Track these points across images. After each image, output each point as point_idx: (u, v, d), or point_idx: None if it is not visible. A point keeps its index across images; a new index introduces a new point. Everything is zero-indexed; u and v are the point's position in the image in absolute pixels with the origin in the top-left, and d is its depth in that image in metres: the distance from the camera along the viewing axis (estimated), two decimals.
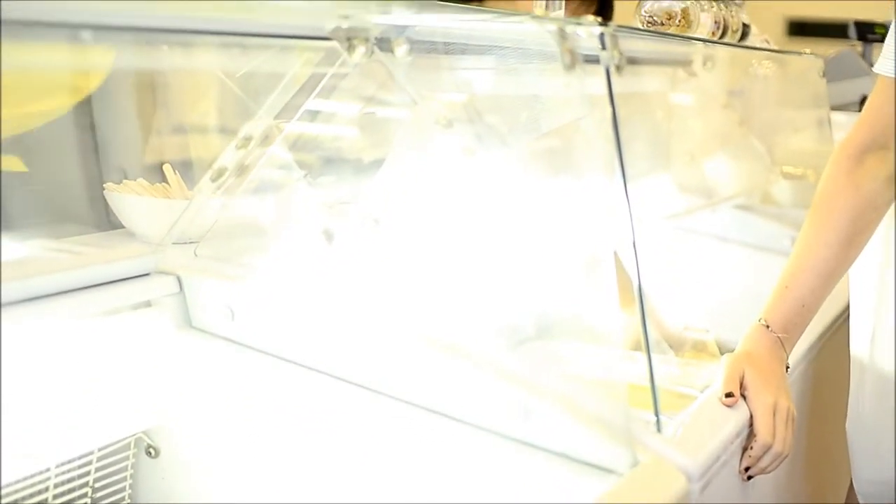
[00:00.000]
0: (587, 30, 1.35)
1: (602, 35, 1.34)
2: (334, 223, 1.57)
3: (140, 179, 1.82)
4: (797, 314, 1.70)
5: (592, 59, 1.37)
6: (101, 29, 0.97)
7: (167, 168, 1.82)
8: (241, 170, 1.53)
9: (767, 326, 1.68)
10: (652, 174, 2.51)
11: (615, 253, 1.52)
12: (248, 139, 1.50)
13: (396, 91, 1.58)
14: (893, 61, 1.71)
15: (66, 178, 1.96)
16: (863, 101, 3.61)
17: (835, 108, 3.42)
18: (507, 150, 1.82)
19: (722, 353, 2.40)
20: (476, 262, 1.73)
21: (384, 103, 1.61)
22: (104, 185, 1.80)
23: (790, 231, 2.75)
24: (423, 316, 1.55)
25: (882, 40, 3.63)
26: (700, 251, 2.64)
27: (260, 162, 1.53)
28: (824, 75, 2.75)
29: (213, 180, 1.55)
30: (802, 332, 1.73)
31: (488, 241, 1.73)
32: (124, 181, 1.81)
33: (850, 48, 3.74)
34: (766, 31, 9.13)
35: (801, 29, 10.67)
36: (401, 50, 1.45)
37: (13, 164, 1.84)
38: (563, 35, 1.27)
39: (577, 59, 1.26)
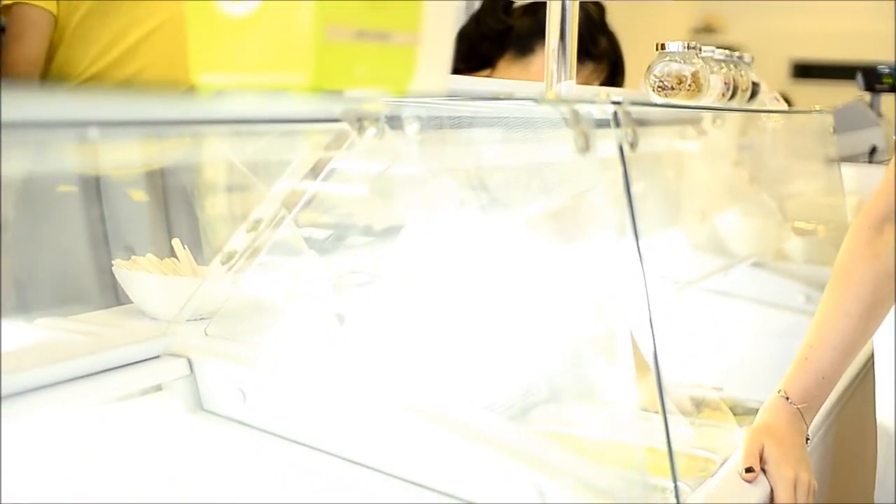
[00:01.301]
0: (600, 108, 1.34)
1: (616, 113, 1.33)
2: (345, 304, 1.55)
3: (149, 255, 1.81)
4: (817, 386, 1.68)
5: (604, 123, 1.36)
6: (109, 125, 0.95)
7: (176, 243, 1.81)
8: (252, 252, 1.51)
9: (787, 398, 1.66)
10: (663, 233, 2.49)
11: (628, 314, 1.51)
12: (258, 222, 1.49)
13: (406, 167, 1.56)
14: None
15: (74, 254, 1.95)
16: (873, 151, 3.61)
17: (845, 159, 3.41)
18: (519, 220, 1.81)
19: (736, 413, 2.39)
20: (489, 329, 1.71)
21: (394, 179, 1.60)
22: (112, 262, 1.79)
23: (803, 288, 2.73)
24: (435, 391, 1.54)
25: (890, 90, 3.63)
26: (713, 309, 2.62)
27: (270, 243, 1.52)
28: (835, 131, 2.74)
29: (223, 263, 1.54)
30: (822, 403, 1.71)
31: (502, 307, 1.72)
32: (133, 257, 1.80)
33: (858, 99, 3.73)
34: (771, 74, 9.11)
35: (805, 71, 10.70)
36: (411, 128, 1.43)
37: None
38: (576, 117, 1.25)
39: (591, 143, 1.25)
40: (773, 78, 10.62)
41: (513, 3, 2.70)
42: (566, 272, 1.77)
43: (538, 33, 2.63)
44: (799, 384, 1.67)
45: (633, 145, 1.35)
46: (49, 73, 2.91)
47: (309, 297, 1.58)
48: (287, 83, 0.97)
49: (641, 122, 1.72)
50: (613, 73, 2.76)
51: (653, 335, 1.46)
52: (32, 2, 2.95)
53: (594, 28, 2.73)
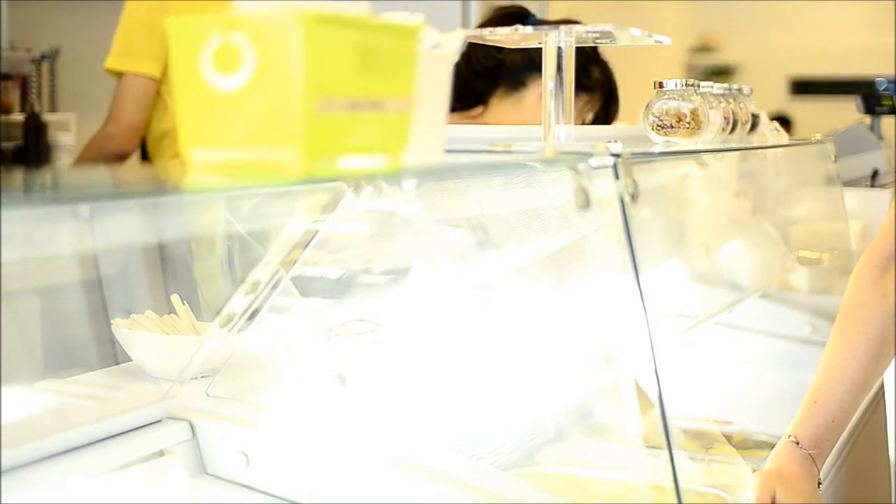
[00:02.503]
0: (600, 160, 1.32)
1: (616, 165, 1.31)
2: (347, 359, 1.54)
3: (148, 312, 1.79)
4: (827, 429, 1.65)
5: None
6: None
7: (175, 299, 1.80)
8: (252, 313, 1.50)
9: (797, 443, 1.64)
10: (668, 267, 2.48)
11: (633, 354, 1.50)
12: (256, 284, 1.47)
13: (405, 219, 1.55)
14: None
15: (71, 313, 1.94)
16: (874, 175, 3.59)
17: (846, 184, 3.39)
18: (522, 264, 1.79)
19: (747, 447, 2.37)
20: (494, 372, 1.70)
21: (394, 230, 1.58)
22: (111, 321, 1.77)
23: (809, 318, 2.71)
24: (439, 441, 1.52)
25: (890, 112, 3.62)
26: (720, 342, 2.60)
27: (269, 303, 1.50)
28: (836, 159, 2.72)
29: (223, 326, 1.52)
30: (833, 446, 1.69)
31: (506, 350, 1.71)
32: (132, 315, 1.78)
33: (858, 122, 3.71)
34: (770, 92, 9.13)
35: (804, 88, 10.71)
36: (409, 183, 1.42)
37: None
38: (575, 172, 1.24)
39: (591, 200, 1.23)
40: (771, 95, 10.63)
41: None
42: (570, 315, 1.75)
43: (530, 67, 2.63)
44: (809, 428, 1.65)
45: (633, 197, 1.34)
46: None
47: (310, 355, 1.56)
48: (279, 157, 0.96)
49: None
50: (608, 103, 2.75)
51: (656, 373, 1.44)
52: (137, 70, 2.98)
53: (586, 59, 2.71)
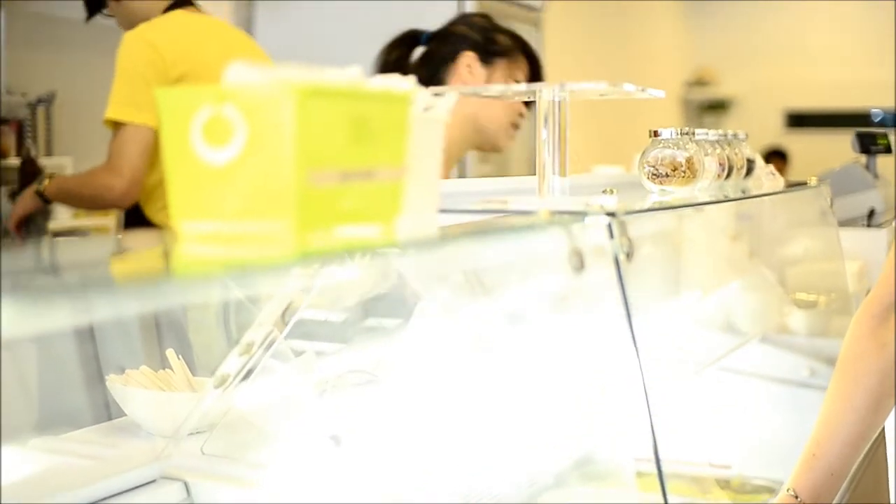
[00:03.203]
0: (595, 219, 1.32)
1: (610, 225, 1.31)
2: (343, 412, 1.53)
3: (143, 367, 1.78)
4: (826, 482, 1.64)
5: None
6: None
7: (170, 353, 1.79)
8: (246, 373, 1.49)
9: (796, 497, 1.63)
10: (666, 312, 2.47)
11: (629, 402, 1.49)
12: (250, 345, 1.46)
13: (399, 274, 1.55)
14: None
15: (65, 369, 1.93)
16: (871, 214, 3.59)
17: (843, 223, 3.39)
18: (518, 315, 1.79)
19: (745, 491, 2.36)
20: (493, 420, 1.69)
21: (388, 294, 1.58)
22: (106, 377, 1.76)
23: (807, 361, 2.71)
24: (441, 497, 1.51)
25: (885, 151, 3.62)
26: (719, 386, 2.59)
27: (263, 363, 1.49)
28: (832, 203, 2.72)
29: (217, 387, 1.51)
30: (833, 497, 1.68)
31: (504, 398, 1.70)
32: (127, 371, 1.77)
33: (854, 162, 3.72)
34: (766, 125, 9.15)
35: (799, 121, 10.73)
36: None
37: None
38: (569, 235, 1.23)
39: (586, 262, 1.22)
40: (767, 128, 10.66)
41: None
42: (567, 363, 1.75)
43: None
44: (808, 481, 1.64)
45: (628, 255, 1.33)
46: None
47: (306, 411, 1.55)
48: (271, 230, 0.95)
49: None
50: (533, 74, 2.92)
51: (652, 423, 1.44)
52: (139, 121, 2.97)
53: (494, 30, 2.91)
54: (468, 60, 2.84)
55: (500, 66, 2.86)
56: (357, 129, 0.99)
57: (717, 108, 10.96)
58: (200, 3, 4.18)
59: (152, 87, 2.97)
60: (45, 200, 3.25)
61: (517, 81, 2.84)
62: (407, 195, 1.09)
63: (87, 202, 3.17)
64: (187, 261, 0.92)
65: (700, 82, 10.87)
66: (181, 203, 0.99)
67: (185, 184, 0.98)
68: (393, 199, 1.07)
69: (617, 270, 1.32)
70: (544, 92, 1.58)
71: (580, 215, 1.30)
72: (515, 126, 2.87)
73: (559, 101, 1.67)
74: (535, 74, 2.94)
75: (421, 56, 2.90)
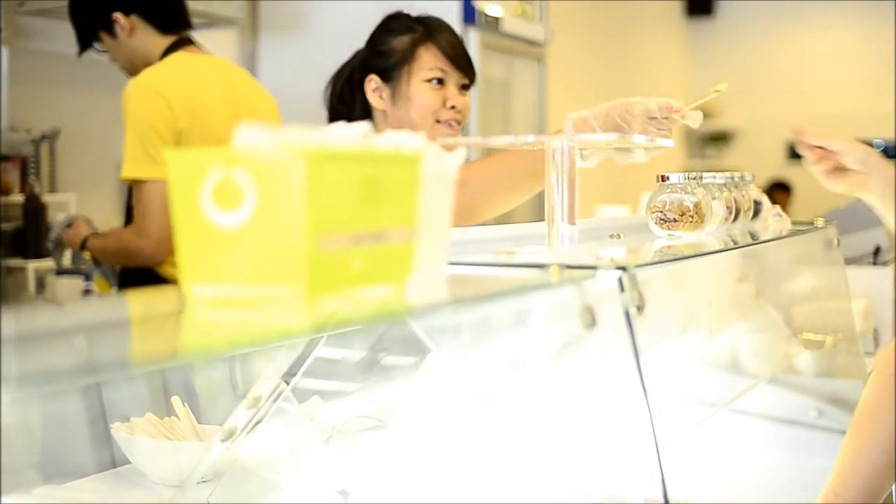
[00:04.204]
0: (606, 273, 1.31)
1: (620, 279, 1.30)
2: (349, 471, 1.52)
3: (148, 414, 1.77)
4: None
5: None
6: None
7: (176, 401, 1.78)
8: (254, 425, 1.48)
9: None
10: (675, 354, 2.46)
11: (637, 453, 1.48)
12: (257, 399, 1.45)
13: (409, 336, 1.54)
14: None
15: (69, 417, 1.92)
16: (877, 251, 3.57)
17: (849, 261, 3.37)
18: (526, 365, 1.78)
19: None
20: (497, 468, 1.68)
21: (396, 348, 1.57)
22: (111, 425, 1.75)
23: (815, 402, 2.69)
24: None
25: None
26: (728, 428, 2.57)
27: (270, 415, 1.48)
28: (839, 243, 2.71)
29: (223, 440, 1.50)
30: None
31: (510, 447, 1.69)
32: (132, 419, 1.76)
33: (858, 200, 3.70)
34: (768, 157, 9.14)
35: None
36: None
37: None
38: (580, 291, 1.22)
39: (596, 318, 1.21)
40: (770, 160, 10.67)
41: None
42: (577, 414, 1.74)
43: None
44: None
45: (639, 308, 1.32)
46: None
47: (313, 462, 1.54)
48: (281, 294, 0.94)
49: None
50: (454, 46, 2.70)
51: (662, 475, 1.43)
52: (157, 176, 2.93)
53: (386, 34, 2.73)
54: (373, 84, 2.68)
55: (408, 72, 2.66)
56: (367, 191, 0.99)
57: (719, 139, 10.96)
58: (207, 33, 4.18)
59: (165, 138, 2.95)
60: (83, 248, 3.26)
61: (441, 71, 2.65)
62: (418, 254, 1.08)
63: (123, 262, 3.16)
64: (198, 336, 0.91)
65: (703, 114, 10.87)
66: (191, 266, 0.98)
67: (195, 246, 0.97)
68: (404, 259, 1.06)
69: (627, 323, 1.31)
70: (553, 141, 1.57)
71: (590, 271, 1.29)
72: (441, 121, 2.66)
73: (567, 150, 1.66)
74: (454, 48, 2.71)
75: (339, 91, 2.76)
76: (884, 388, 1.65)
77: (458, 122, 2.67)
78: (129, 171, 2.97)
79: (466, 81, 2.71)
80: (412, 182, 1.06)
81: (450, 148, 1.24)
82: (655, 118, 2.29)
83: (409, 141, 1.11)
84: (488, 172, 2.47)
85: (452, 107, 2.65)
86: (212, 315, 0.95)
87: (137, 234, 2.97)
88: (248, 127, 0.97)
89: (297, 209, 0.92)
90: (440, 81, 2.64)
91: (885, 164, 1.61)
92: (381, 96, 2.67)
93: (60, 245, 3.34)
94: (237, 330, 0.90)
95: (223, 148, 0.96)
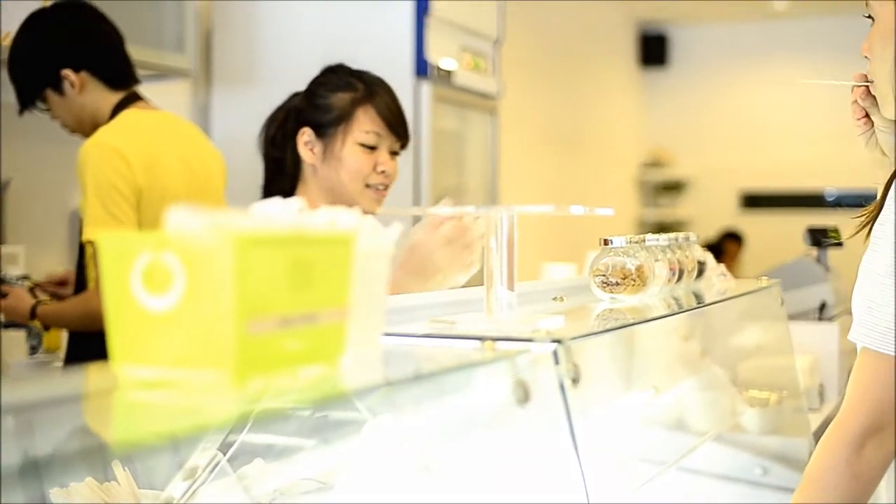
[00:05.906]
0: (541, 346, 1.32)
1: (556, 352, 1.31)
2: None
3: (89, 479, 1.76)
4: None
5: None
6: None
7: (116, 465, 1.77)
8: (191, 495, 1.47)
9: None
10: (618, 414, 2.47)
11: None
12: (193, 470, 1.45)
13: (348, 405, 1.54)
14: (893, 334, 1.57)
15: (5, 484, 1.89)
16: (822, 307, 3.62)
17: (794, 317, 3.41)
18: (462, 440, 1.78)
19: None
20: None
21: (340, 405, 1.57)
22: (49, 491, 1.73)
23: (759, 460, 2.71)
24: None
25: (836, 245, 3.65)
26: (672, 487, 2.58)
27: (210, 481, 1.48)
28: (783, 302, 2.74)
29: None
30: None
31: None
32: (71, 484, 1.75)
33: (805, 255, 3.75)
34: (721, 206, 9.22)
35: (754, 201, 10.84)
36: None
37: None
38: (514, 367, 1.23)
39: (529, 393, 1.22)
40: (722, 209, 10.77)
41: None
42: (512, 485, 1.74)
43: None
44: None
45: (574, 381, 1.33)
46: None
47: None
48: (210, 378, 0.94)
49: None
50: (391, 107, 2.71)
51: None
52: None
53: (324, 88, 2.72)
54: (306, 138, 2.67)
55: (343, 131, 2.67)
56: (299, 274, 0.99)
57: (672, 188, 11.06)
58: (160, 85, 4.16)
59: (126, 197, 2.92)
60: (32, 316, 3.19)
61: (376, 136, 2.66)
62: (351, 331, 1.08)
63: (82, 326, 3.08)
64: (122, 427, 0.91)
65: (656, 163, 10.97)
66: (121, 347, 0.98)
67: (125, 329, 0.98)
68: (336, 338, 1.07)
69: (562, 394, 1.32)
70: (492, 212, 1.59)
71: (526, 342, 1.30)
72: (370, 185, 2.68)
73: (507, 220, 1.67)
74: (392, 112, 2.70)
75: (272, 136, 2.75)
76: (839, 464, 1.61)
77: (386, 187, 2.68)
78: (92, 233, 2.93)
79: (398, 148, 2.72)
80: (345, 263, 1.06)
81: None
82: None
83: (343, 218, 1.12)
84: None
85: (382, 171, 2.67)
86: (140, 398, 0.95)
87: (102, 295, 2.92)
88: (179, 209, 0.97)
89: (225, 293, 0.92)
90: (372, 148, 2.65)
91: None
92: (312, 150, 2.67)
93: None
94: (162, 419, 0.91)
95: (153, 232, 0.96)
